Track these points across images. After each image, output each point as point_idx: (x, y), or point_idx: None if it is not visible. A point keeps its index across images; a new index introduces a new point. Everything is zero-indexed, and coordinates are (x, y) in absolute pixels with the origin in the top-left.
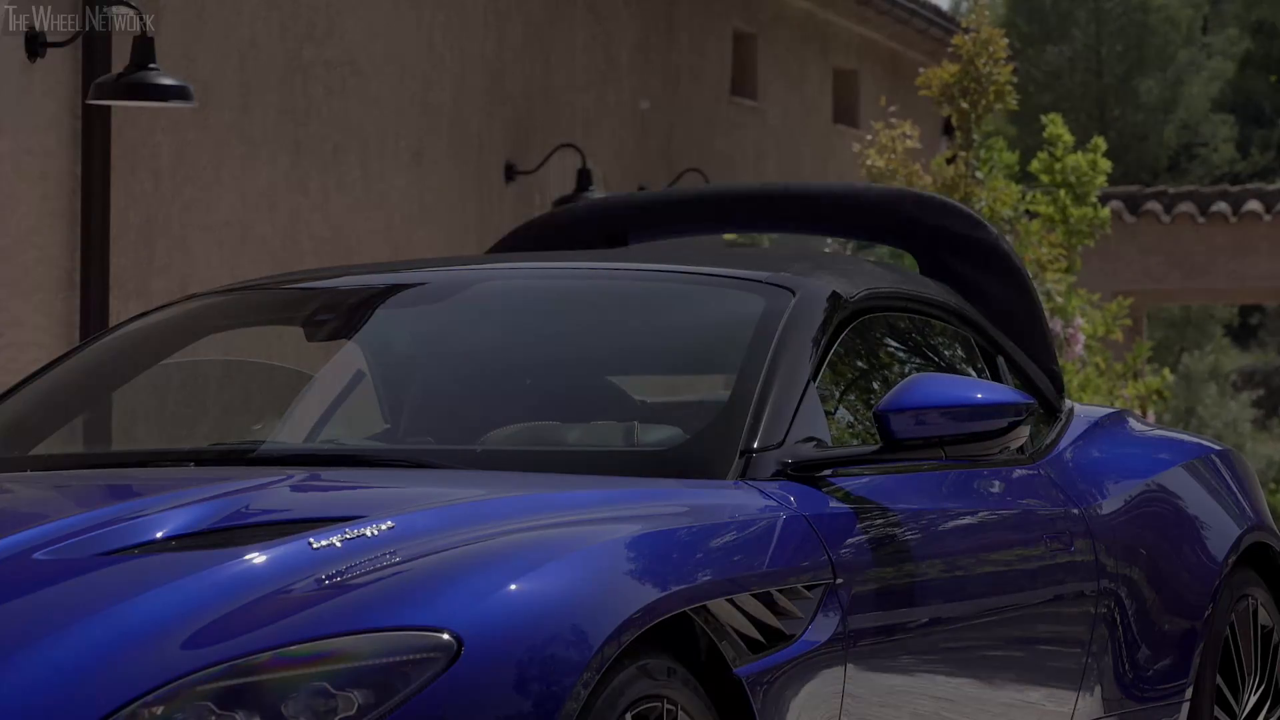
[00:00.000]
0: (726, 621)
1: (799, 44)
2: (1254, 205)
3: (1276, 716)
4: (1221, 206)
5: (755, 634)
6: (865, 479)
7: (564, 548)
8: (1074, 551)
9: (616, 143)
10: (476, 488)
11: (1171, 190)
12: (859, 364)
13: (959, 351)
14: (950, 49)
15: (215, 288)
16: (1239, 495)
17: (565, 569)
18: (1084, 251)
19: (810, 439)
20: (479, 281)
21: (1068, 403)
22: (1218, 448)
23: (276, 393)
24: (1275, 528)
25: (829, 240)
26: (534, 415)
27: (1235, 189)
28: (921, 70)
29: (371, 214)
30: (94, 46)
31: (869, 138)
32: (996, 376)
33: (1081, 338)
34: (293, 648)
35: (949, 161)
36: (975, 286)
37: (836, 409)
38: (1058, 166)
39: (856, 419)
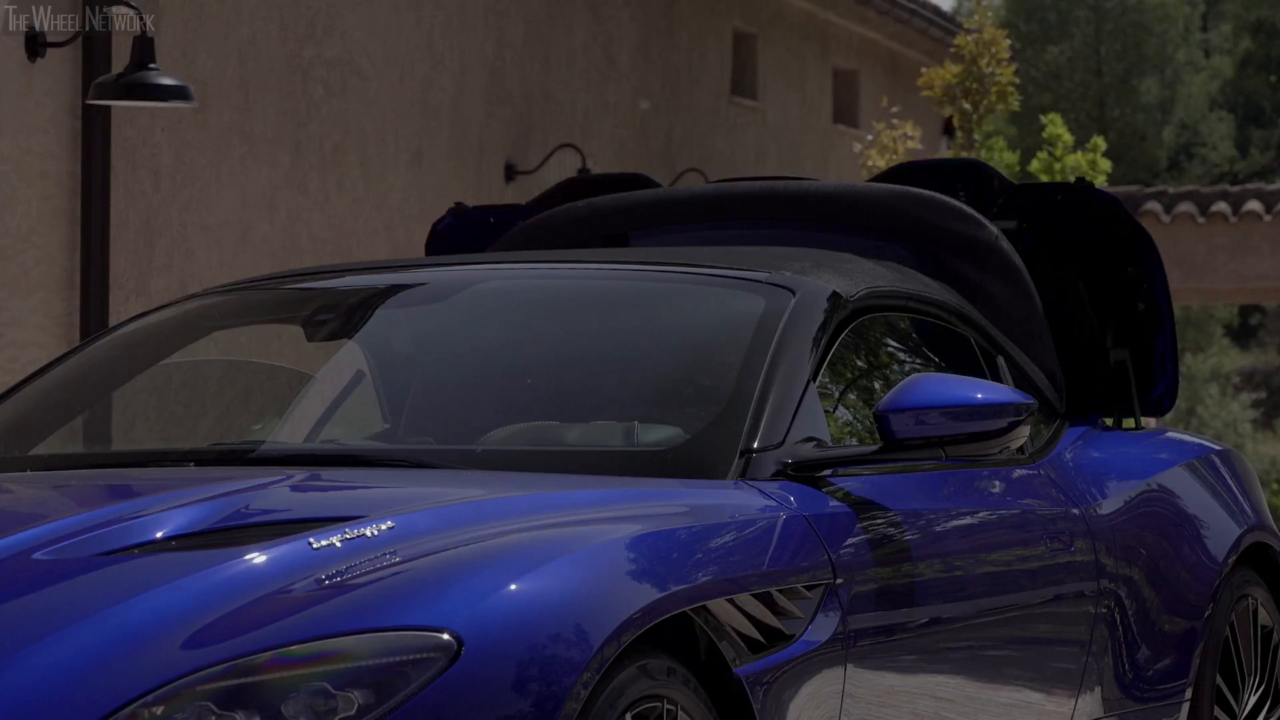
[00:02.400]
0: (726, 621)
1: (799, 44)
2: (1254, 205)
3: (1276, 716)
4: (1221, 206)
5: (755, 634)
6: (865, 479)
7: (564, 548)
8: (1074, 551)
9: (616, 143)
10: (476, 488)
11: (1171, 190)
12: (859, 364)
13: (959, 351)
14: (952, 49)
15: (216, 286)
16: (1239, 495)
17: (565, 569)
18: None
19: (810, 439)
20: (479, 281)
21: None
22: (1218, 448)
23: (276, 393)
24: (1275, 528)
25: None
26: (534, 415)
27: (1235, 189)
28: (923, 70)
29: (371, 214)
30: (94, 46)
31: (870, 138)
32: (996, 376)
33: None
34: (293, 648)
35: None
36: (975, 286)
37: (836, 409)
38: (1057, 166)
39: (856, 419)
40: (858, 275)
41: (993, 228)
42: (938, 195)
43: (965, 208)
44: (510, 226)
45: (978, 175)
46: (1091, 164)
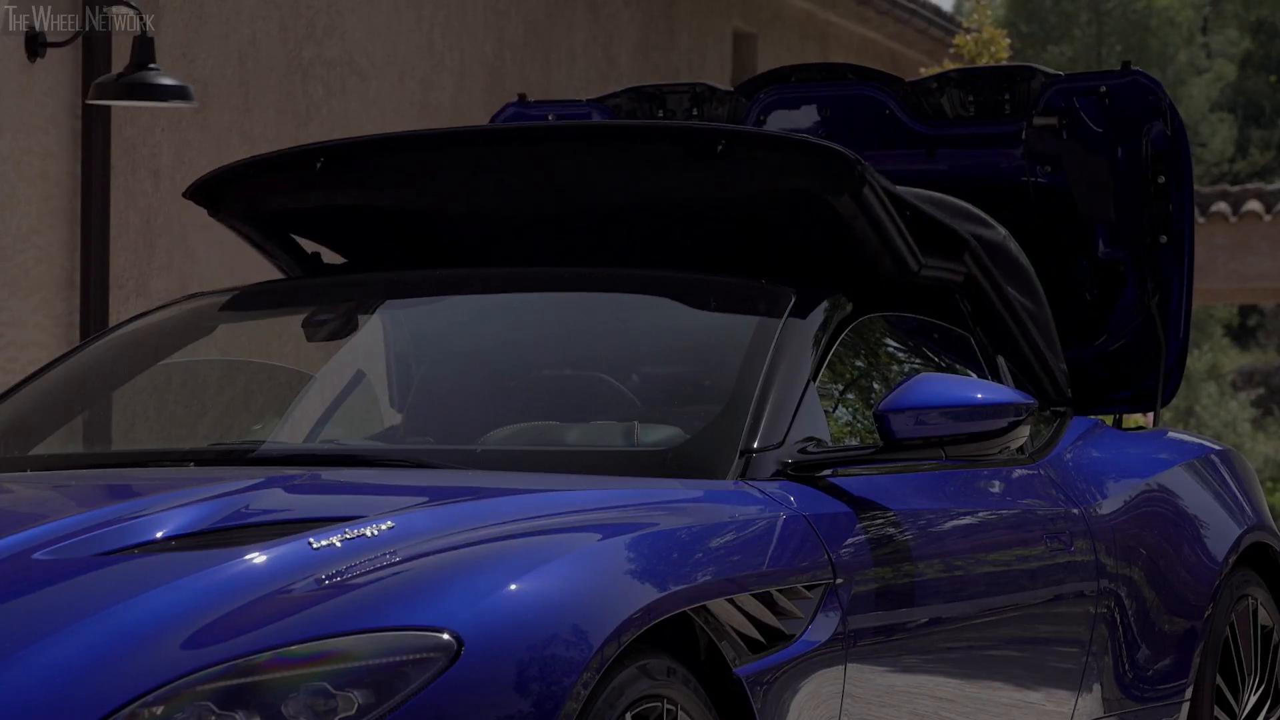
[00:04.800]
0: (726, 621)
1: (799, 44)
2: (1254, 205)
3: (1276, 716)
4: (1221, 206)
5: (755, 634)
6: (865, 479)
7: (564, 548)
8: (1074, 551)
9: None
10: (476, 488)
11: None
12: (859, 364)
13: (959, 351)
14: (952, 49)
15: (215, 288)
16: (1239, 495)
17: (565, 569)
18: None
19: (810, 439)
20: (479, 281)
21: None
22: (1218, 447)
23: (276, 393)
24: (1275, 527)
25: None
26: (534, 415)
27: (1235, 189)
28: (922, 70)
29: None
30: (94, 46)
31: None
32: (996, 376)
33: None
34: (293, 648)
35: None
36: None
37: (836, 409)
38: None
39: (856, 419)
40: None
41: (1000, 228)
42: (945, 196)
43: (972, 208)
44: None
45: (1021, 78)
46: None
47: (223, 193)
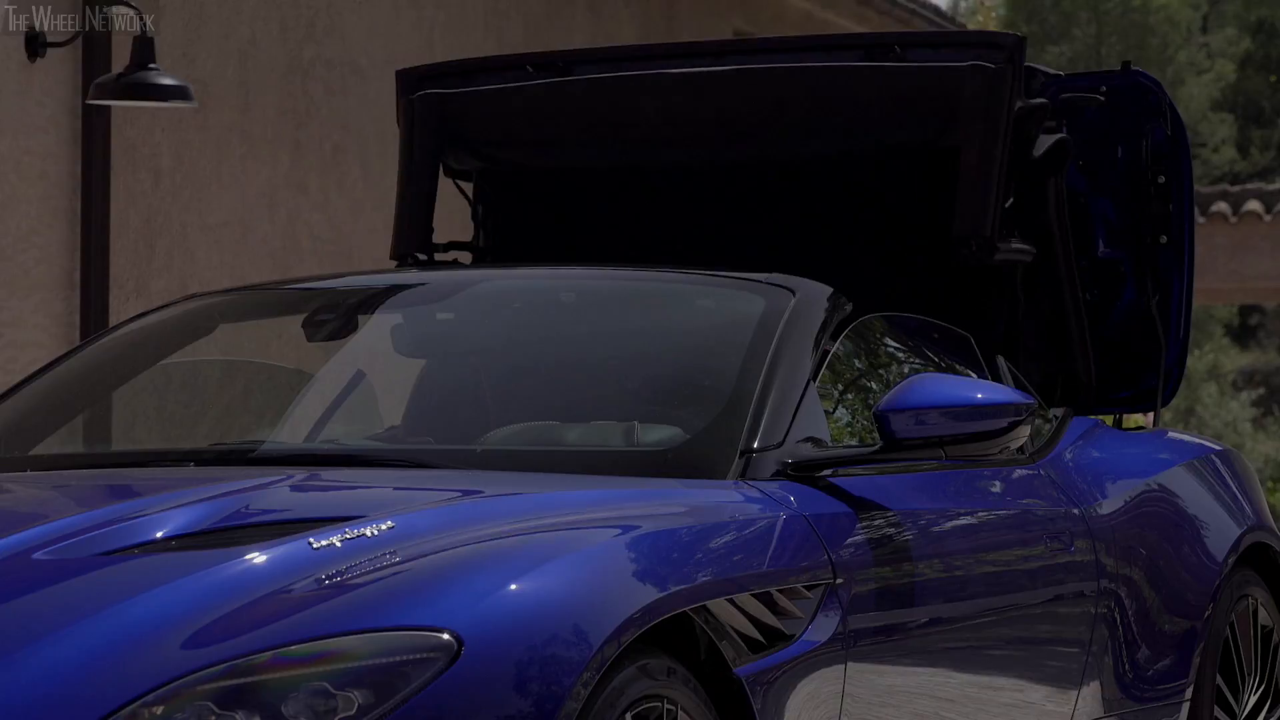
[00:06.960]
0: (726, 621)
1: None
2: (1254, 205)
3: (1276, 716)
4: (1221, 206)
5: (755, 634)
6: (865, 479)
7: (564, 548)
8: (1074, 551)
9: None
10: (476, 488)
11: None
12: (859, 364)
13: (959, 351)
14: None
15: (215, 288)
16: (1239, 495)
17: (565, 569)
18: None
19: (810, 439)
20: (479, 282)
21: None
22: (1218, 447)
23: (276, 393)
24: (1275, 528)
25: None
26: (534, 415)
27: (1235, 189)
28: None
29: (371, 214)
30: (94, 46)
31: None
32: (996, 376)
33: None
34: (293, 648)
35: None
36: None
37: (836, 409)
38: None
39: (856, 419)
40: None
41: (1029, 246)
42: None
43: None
44: None
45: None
46: None
47: (425, 84)
